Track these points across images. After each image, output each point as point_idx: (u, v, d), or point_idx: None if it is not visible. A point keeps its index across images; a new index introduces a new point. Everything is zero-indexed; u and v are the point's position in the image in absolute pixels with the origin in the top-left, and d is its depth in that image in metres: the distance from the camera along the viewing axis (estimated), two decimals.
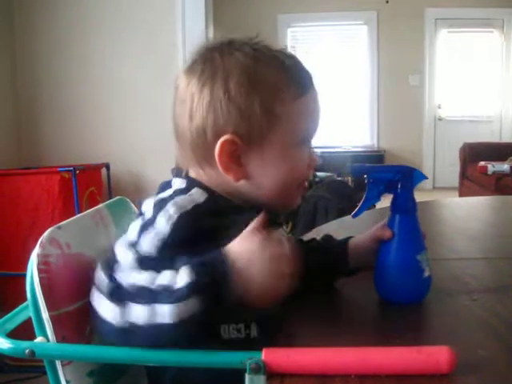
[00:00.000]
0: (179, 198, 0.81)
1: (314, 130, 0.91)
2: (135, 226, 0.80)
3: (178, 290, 0.69)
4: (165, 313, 0.68)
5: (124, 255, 0.76)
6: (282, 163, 0.87)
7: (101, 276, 0.75)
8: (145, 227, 0.78)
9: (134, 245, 0.77)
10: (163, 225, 0.77)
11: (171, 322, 0.68)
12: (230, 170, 0.85)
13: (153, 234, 0.77)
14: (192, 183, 0.87)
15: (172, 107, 0.91)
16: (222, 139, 0.83)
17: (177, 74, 0.91)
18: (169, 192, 0.85)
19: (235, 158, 0.85)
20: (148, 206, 0.82)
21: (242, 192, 0.87)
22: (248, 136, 0.84)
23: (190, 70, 0.88)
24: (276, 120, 0.84)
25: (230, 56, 0.85)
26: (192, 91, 0.85)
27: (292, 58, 0.90)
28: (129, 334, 0.70)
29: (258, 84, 0.83)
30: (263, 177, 0.87)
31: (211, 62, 0.85)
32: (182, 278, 0.70)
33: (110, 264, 0.76)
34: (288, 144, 0.87)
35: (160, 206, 0.80)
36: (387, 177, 0.89)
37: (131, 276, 0.73)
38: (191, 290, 0.68)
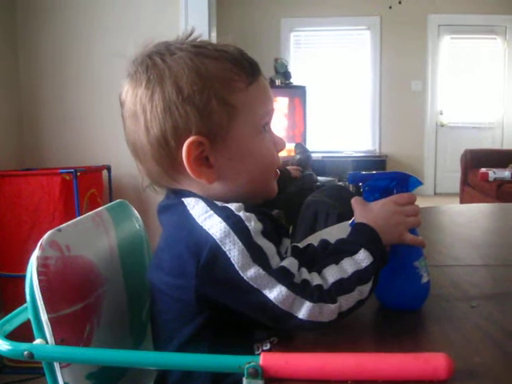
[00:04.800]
0: (224, 206, 0.79)
1: (271, 114, 0.90)
2: (235, 253, 0.74)
3: (367, 270, 0.77)
4: (366, 291, 0.78)
5: (258, 269, 0.73)
6: (249, 155, 0.86)
7: (282, 290, 0.73)
8: (246, 244, 0.74)
9: (255, 260, 0.74)
10: (251, 224, 0.76)
11: (368, 294, 0.78)
12: (201, 173, 0.83)
13: (253, 233, 0.75)
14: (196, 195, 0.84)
15: (123, 125, 0.88)
16: (186, 143, 0.81)
17: (119, 90, 0.87)
18: (207, 212, 0.78)
19: (204, 160, 0.83)
20: (215, 229, 0.75)
21: (220, 195, 0.85)
22: (211, 134, 0.82)
23: (134, 80, 0.84)
24: (234, 111, 0.83)
25: (171, 57, 0.82)
26: (142, 102, 0.82)
27: (234, 47, 0.87)
28: (339, 319, 0.76)
29: (209, 79, 0.81)
30: (236, 173, 0.86)
31: (154, 67, 0.82)
32: (363, 260, 0.78)
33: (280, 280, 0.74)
34: (251, 133, 0.86)
35: (227, 218, 0.76)
36: (383, 184, 0.89)
37: (316, 277, 0.76)
38: (375, 266, 0.78)
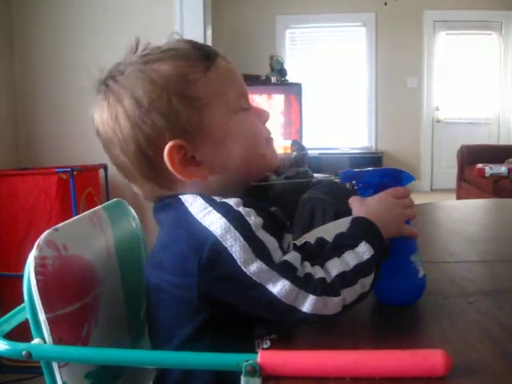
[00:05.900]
0: (223, 201, 0.79)
1: (243, 90, 0.89)
2: (236, 249, 0.73)
3: (369, 263, 0.77)
4: (368, 284, 0.78)
5: (261, 264, 0.73)
6: (233, 137, 0.86)
7: (286, 284, 0.73)
8: (246, 238, 0.74)
9: (258, 254, 0.74)
10: (251, 218, 0.76)
11: (370, 288, 0.78)
12: (191, 174, 0.83)
13: (254, 228, 0.75)
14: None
15: (105, 152, 0.89)
16: (166, 151, 0.81)
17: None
18: (206, 208, 0.78)
19: (190, 160, 0.83)
20: (216, 226, 0.75)
21: (220, 185, 0.86)
22: (187, 133, 0.82)
23: (98, 107, 0.86)
24: (201, 102, 0.83)
25: (123, 75, 0.84)
26: (110, 126, 0.83)
27: (183, 41, 0.87)
28: (343, 312, 0.76)
29: (163, 82, 0.81)
30: (227, 159, 0.86)
31: (110, 91, 0.84)
32: (364, 253, 0.78)
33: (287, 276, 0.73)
34: (227, 116, 0.85)
35: (227, 214, 0.76)
36: (376, 181, 0.90)
37: (319, 271, 0.76)
38: (376, 259, 0.78)
